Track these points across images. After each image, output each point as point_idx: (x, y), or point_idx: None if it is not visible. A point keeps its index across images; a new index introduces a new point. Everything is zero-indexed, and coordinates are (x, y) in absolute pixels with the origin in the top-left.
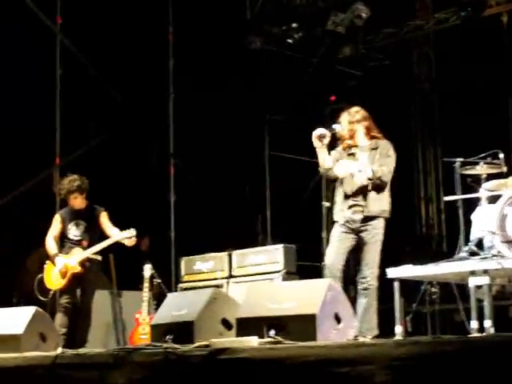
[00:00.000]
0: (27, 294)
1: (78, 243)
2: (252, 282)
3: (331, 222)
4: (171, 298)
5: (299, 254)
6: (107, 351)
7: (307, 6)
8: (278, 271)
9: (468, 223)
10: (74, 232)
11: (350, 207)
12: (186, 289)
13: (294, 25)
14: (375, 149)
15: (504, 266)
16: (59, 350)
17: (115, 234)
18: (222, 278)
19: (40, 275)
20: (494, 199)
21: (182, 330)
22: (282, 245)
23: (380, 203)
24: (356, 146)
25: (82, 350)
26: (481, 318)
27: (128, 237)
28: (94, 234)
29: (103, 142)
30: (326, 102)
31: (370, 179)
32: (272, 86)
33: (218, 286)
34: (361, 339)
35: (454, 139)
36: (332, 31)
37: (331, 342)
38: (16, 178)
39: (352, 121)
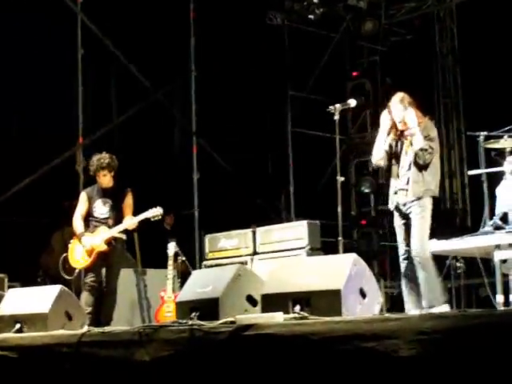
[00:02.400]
0: (52, 272)
1: (103, 221)
2: (277, 258)
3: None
4: (196, 275)
5: (323, 229)
6: (132, 329)
7: None
8: (303, 247)
9: (493, 197)
10: (100, 210)
11: (396, 192)
12: (210, 266)
13: (315, 0)
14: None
15: None
16: (85, 329)
17: (143, 214)
18: (247, 255)
19: (65, 254)
20: None
21: (208, 307)
22: (306, 221)
23: (423, 183)
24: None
25: (107, 328)
26: (506, 293)
27: (156, 215)
28: (120, 212)
29: (126, 121)
30: (348, 78)
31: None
32: (294, 63)
33: (242, 263)
34: (430, 310)
35: (477, 113)
36: (353, 6)
37: (356, 317)
38: (41, 157)
39: (406, 107)
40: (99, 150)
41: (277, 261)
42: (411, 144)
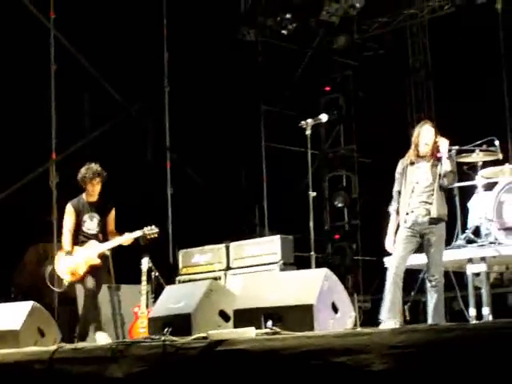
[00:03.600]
0: (24, 288)
1: (93, 237)
2: (250, 273)
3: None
4: (169, 290)
5: (297, 244)
6: (105, 345)
7: None
8: (276, 262)
9: (465, 211)
10: (88, 225)
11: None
12: (184, 281)
13: (288, 16)
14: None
15: (501, 253)
16: (57, 345)
17: (139, 231)
18: (220, 270)
19: (50, 267)
20: (490, 186)
21: (180, 323)
22: (279, 236)
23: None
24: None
25: (80, 345)
26: (479, 306)
27: (152, 232)
28: (105, 227)
29: (99, 136)
30: (322, 93)
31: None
32: (267, 78)
33: (215, 278)
34: None
35: (449, 127)
36: (326, 21)
37: (328, 332)
38: (13, 173)
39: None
40: (72, 165)
41: (250, 276)
42: (434, 166)
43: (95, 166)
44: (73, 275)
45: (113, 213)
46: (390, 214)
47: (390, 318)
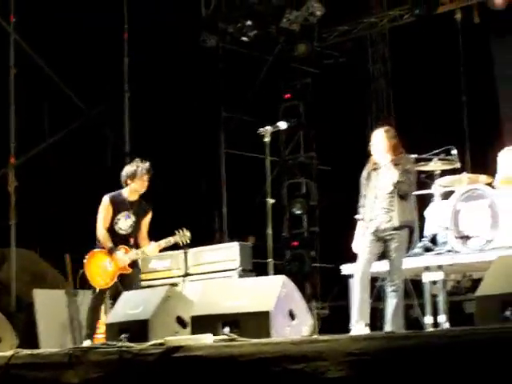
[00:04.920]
0: None
1: (123, 238)
2: (208, 279)
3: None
4: (126, 296)
5: (256, 251)
6: (61, 351)
7: (261, 4)
8: (234, 269)
9: (422, 219)
10: (122, 224)
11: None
12: (142, 287)
13: (249, 23)
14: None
15: (458, 261)
16: (14, 350)
17: (168, 239)
18: (178, 276)
19: (81, 271)
20: (447, 195)
21: (137, 329)
22: (237, 242)
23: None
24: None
25: (36, 350)
26: (436, 314)
27: (186, 238)
28: (139, 231)
29: (59, 141)
30: (282, 100)
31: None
32: (227, 84)
33: (173, 285)
34: None
35: (408, 136)
36: (286, 29)
37: (285, 339)
38: None
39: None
40: (32, 170)
41: (207, 282)
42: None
43: (147, 163)
44: (109, 280)
45: (149, 216)
46: (357, 219)
47: (359, 322)
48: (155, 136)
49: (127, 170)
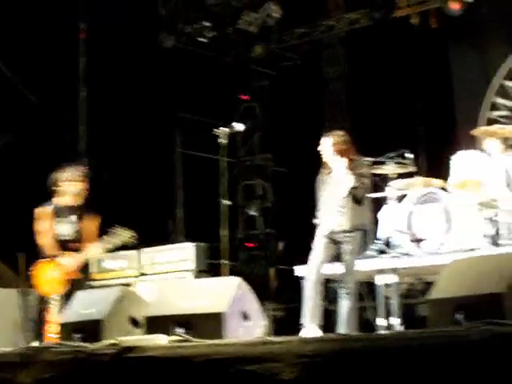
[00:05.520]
0: None
1: (67, 244)
2: (163, 280)
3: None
4: (80, 296)
5: (212, 252)
6: (14, 350)
7: (220, 5)
8: (189, 269)
9: (376, 222)
10: (63, 230)
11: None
12: (95, 287)
13: (207, 24)
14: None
15: (411, 264)
16: None
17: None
18: (133, 277)
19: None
20: (400, 198)
21: (91, 329)
22: (193, 243)
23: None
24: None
25: None
26: (389, 316)
27: (129, 236)
28: (82, 235)
29: (12, 141)
30: (239, 101)
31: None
32: (185, 85)
33: (128, 285)
34: None
35: (364, 138)
36: (244, 30)
37: (238, 340)
38: None
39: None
40: None
41: (162, 283)
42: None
43: (79, 166)
44: (58, 287)
45: (94, 220)
46: (315, 224)
47: (311, 323)
48: (111, 136)
49: (59, 175)
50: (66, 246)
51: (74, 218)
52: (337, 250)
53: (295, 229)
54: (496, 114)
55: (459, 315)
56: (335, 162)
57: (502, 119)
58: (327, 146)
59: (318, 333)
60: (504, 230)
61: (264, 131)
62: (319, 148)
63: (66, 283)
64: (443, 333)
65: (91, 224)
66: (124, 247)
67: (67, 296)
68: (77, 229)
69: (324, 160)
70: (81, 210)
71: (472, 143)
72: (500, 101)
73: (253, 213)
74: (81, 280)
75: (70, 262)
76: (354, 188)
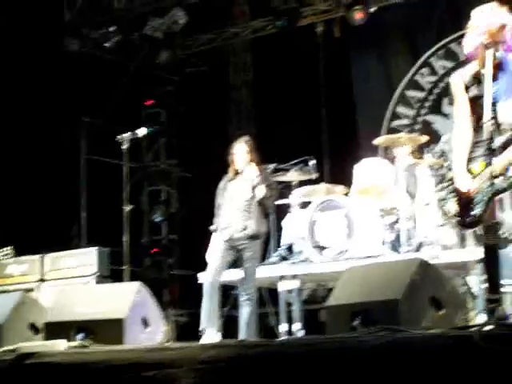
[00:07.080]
0: None
1: None
2: (65, 285)
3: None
4: None
5: (115, 257)
6: None
7: (125, 10)
8: (92, 274)
9: (279, 229)
10: None
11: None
12: None
13: (112, 28)
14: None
15: (312, 270)
16: None
17: None
18: (34, 282)
19: None
20: (304, 205)
21: None
22: (95, 248)
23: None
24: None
25: None
26: (291, 322)
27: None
28: None
29: None
30: (144, 107)
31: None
32: (89, 89)
33: (29, 290)
34: None
35: (269, 145)
36: (149, 36)
37: (138, 346)
38: None
39: (250, 150)
40: None
41: (62, 288)
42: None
43: None
44: None
45: None
46: (212, 230)
47: (209, 327)
48: (15, 140)
49: None
50: None
51: None
52: (236, 256)
53: (199, 235)
54: (396, 123)
55: (356, 321)
56: (249, 169)
57: (402, 128)
58: (242, 152)
59: (217, 338)
60: (404, 236)
61: (169, 137)
62: (234, 152)
63: None
64: (339, 339)
65: None
66: (27, 252)
67: None
68: None
69: (235, 164)
70: None
71: (375, 151)
72: (401, 110)
73: (157, 219)
74: None
75: None
76: (266, 199)
